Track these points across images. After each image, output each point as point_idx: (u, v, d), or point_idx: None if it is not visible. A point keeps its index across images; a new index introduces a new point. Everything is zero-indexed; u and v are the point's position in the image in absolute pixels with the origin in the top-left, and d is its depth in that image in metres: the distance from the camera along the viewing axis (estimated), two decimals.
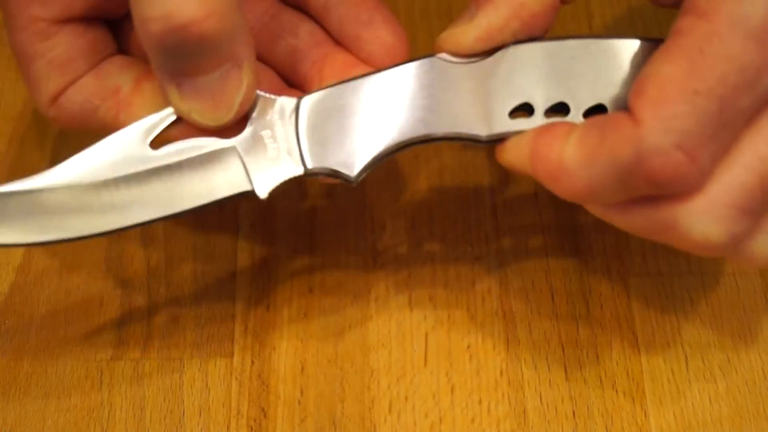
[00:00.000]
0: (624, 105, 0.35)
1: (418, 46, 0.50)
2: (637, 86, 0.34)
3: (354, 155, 0.37)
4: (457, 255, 0.45)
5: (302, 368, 0.43)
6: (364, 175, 0.38)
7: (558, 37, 0.38)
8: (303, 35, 0.41)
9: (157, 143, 0.37)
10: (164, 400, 0.42)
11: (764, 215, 0.35)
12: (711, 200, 0.34)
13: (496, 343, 0.43)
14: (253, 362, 0.43)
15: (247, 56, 0.36)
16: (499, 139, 0.38)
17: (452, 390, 0.42)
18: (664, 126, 0.33)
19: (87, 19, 0.39)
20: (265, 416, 0.42)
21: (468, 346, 0.43)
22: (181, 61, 0.35)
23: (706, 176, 0.33)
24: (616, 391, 0.42)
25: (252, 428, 0.41)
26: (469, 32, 0.37)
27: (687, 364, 0.42)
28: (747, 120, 0.34)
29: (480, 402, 0.42)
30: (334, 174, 0.38)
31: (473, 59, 0.38)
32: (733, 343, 0.43)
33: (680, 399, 0.42)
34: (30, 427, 0.41)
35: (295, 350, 0.43)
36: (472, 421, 0.41)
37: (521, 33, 0.37)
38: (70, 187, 0.37)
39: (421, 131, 0.38)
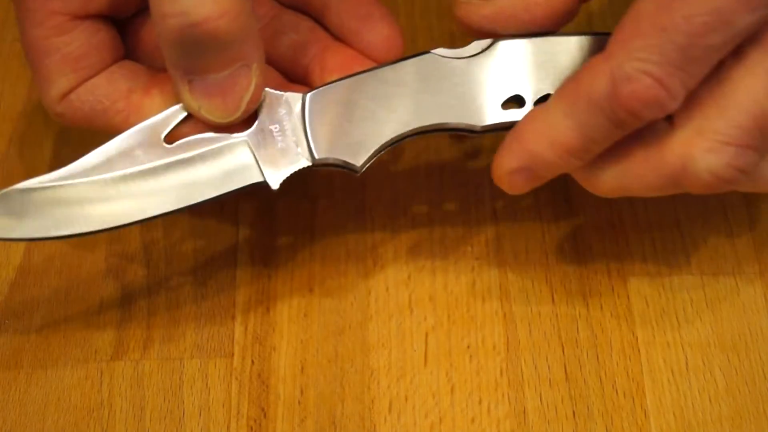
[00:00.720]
0: None
1: (417, 47, 0.50)
2: (616, 28, 0.36)
3: (358, 146, 0.40)
4: (457, 255, 0.45)
5: (302, 368, 0.43)
6: (368, 164, 0.40)
7: (543, 33, 0.40)
8: (304, 31, 0.43)
9: (170, 138, 0.39)
10: (164, 400, 0.42)
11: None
12: (711, 140, 0.36)
13: (496, 343, 0.43)
14: (253, 362, 0.43)
15: (256, 58, 0.38)
16: (492, 129, 0.40)
17: (452, 390, 0.42)
18: (631, 56, 0.35)
19: (101, 17, 0.40)
20: (265, 416, 0.42)
21: (468, 346, 0.43)
22: (195, 58, 0.37)
23: (679, 101, 0.36)
24: (616, 391, 0.42)
25: (252, 428, 0.41)
26: (482, 9, 0.39)
27: (687, 364, 0.42)
28: (723, 56, 0.36)
29: (480, 402, 0.42)
30: (341, 164, 0.40)
31: (466, 54, 0.40)
32: (733, 343, 0.43)
33: (680, 399, 0.42)
34: (30, 427, 0.41)
35: (295, 350, 0.43)
36: (472, 421, 0.41)
37: (530, 26, 0.39)
38: (90, 182, 0.39)
39: (420, 123, 0.40)
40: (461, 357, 0.43)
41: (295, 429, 0.41)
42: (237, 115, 0.38)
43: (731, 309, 0.43)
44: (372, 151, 0.40)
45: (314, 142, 0.39)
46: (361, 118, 0.40)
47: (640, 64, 0.35)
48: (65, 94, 0.40)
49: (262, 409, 0.42)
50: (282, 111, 0.40)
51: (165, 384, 0.42)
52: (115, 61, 0.41)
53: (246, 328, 0.43)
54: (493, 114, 0.40)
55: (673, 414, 0.41)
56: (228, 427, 0.41)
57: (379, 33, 0.41)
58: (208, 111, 0.38)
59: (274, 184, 0.39)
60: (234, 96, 0.38)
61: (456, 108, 0.40)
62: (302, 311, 0.44)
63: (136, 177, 0.39)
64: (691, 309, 0.44)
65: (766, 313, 0.43)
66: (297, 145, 0.39)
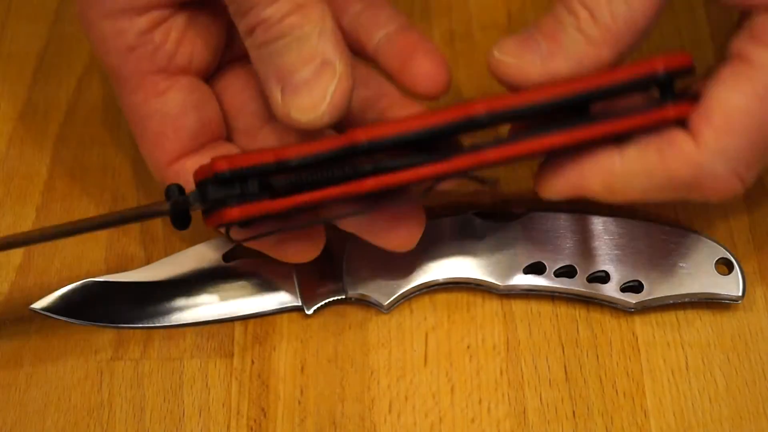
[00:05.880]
0: (624, 278, 0.42)
1: None
2: (703, 107, 0.37)
3: (388, 289, 0.43)
4: None
5: (302, 368, 0.43)
6: (394, 305, 0.43)
7: (574, 210, 0.44)
8: (373, 86, 0.42)
9: (229, 258, 0.44)
10: (164, 400, 0.42)
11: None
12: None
13: (496, 343, 0.43)
14: (253, 362, 0.43)
15: (338, 54, 0.38)
16: (512, 291, 0.43)
17: (452, 390, 0.42)
18: (725, 156, 0.36)
19: (192, 75, 0.42)
20: (265, 416, 0.42)
21: (468, 346, 0.43)
22: (279, 57, 0.38)
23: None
24: (616, 391, 0.42)
25: (252, 428, 0.41)
26: (535, 70, 0.38)
27: (687, 364, 0.42)
28: None
29: (480, 402, 0.42)
30: (371, 301, 0.43)
31: (501, 219, 0.44)
32: (733, 343, 0.43)
33: (680, 399, 0.42)
34: (30, 427, 0.41)
35: (295, 350, 0.43)
36: (472, 421, 0.41)
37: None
38: (154, 283, 0.44)
39: (448, 275, 0.43)
40: (461, 357, 0.43)
41: (295, 429, 0.41)
42: (323, 108, 0.38)
43: (731, 309, 0.43)
44: (398, 294, 0.43)
45: (350, 278, 0.43)
46: (395, 265, 0.43)
47: (732, 164, 0.36)
48: (176, 158, 0.41)
49: (262, 409, 0.42)
50: (328, 248, 0.42)
51: (165, 384, 0.42)
52: (214, 140, 0.42)
53: (246, 328, 0.43)
54: (514, 277, 0.43)
55: (673, 414, 0.41)
56: (228, 427, 0.41)
57: (424, 68, 0.41)
58: (297, 111, 0.38)
59: (309, 311, 0.43)
60: (319, 89, 0.38)
61: (483, 267, 0.43)
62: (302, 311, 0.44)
63: (192, 284, 0.44)
64: (691, 309, 0.44)
65: (766, 313, 0.43)
66: (335, 279, 0.43)
